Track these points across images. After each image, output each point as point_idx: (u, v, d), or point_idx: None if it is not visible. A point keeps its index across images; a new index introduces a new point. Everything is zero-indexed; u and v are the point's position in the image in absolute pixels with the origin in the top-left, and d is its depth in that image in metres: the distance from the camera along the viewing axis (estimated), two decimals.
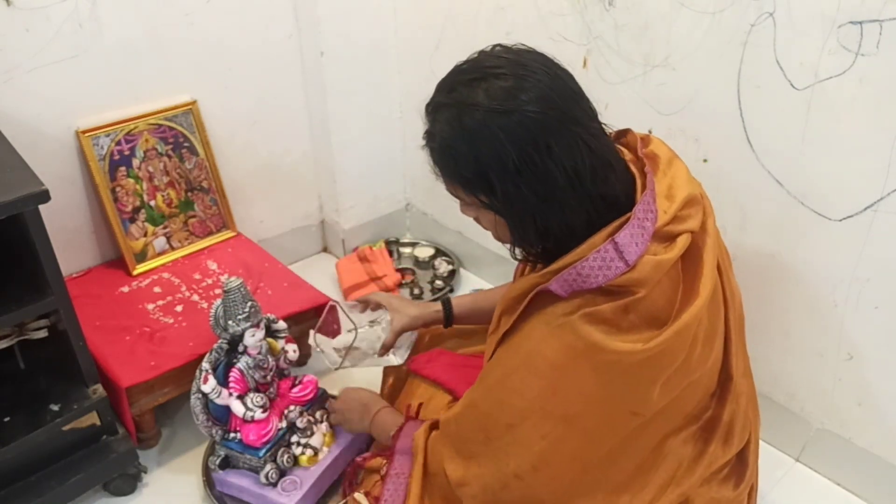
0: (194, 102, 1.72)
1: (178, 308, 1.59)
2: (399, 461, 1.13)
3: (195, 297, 1.62)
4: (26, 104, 1.49)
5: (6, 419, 1.27)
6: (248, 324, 1.29)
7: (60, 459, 1.31)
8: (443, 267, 2.07)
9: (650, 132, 1.42)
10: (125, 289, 1.64)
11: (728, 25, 1.23)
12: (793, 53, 1.17)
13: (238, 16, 1.73)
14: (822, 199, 1.23)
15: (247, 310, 1.28)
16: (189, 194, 1.75)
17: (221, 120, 1.81)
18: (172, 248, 1.74)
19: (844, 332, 1.29)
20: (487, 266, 2.01)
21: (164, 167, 1.70)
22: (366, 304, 1.41)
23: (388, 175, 2.14)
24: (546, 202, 0.87)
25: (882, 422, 1.31)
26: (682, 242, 0.91)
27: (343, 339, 1.36)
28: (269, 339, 1.39)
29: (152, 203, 1.69)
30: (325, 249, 2.23)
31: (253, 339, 1.31)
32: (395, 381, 1.40)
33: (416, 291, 1.97)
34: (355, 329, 1.33)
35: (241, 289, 1.28)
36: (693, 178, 1.01)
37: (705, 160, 1.37)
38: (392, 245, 2.16)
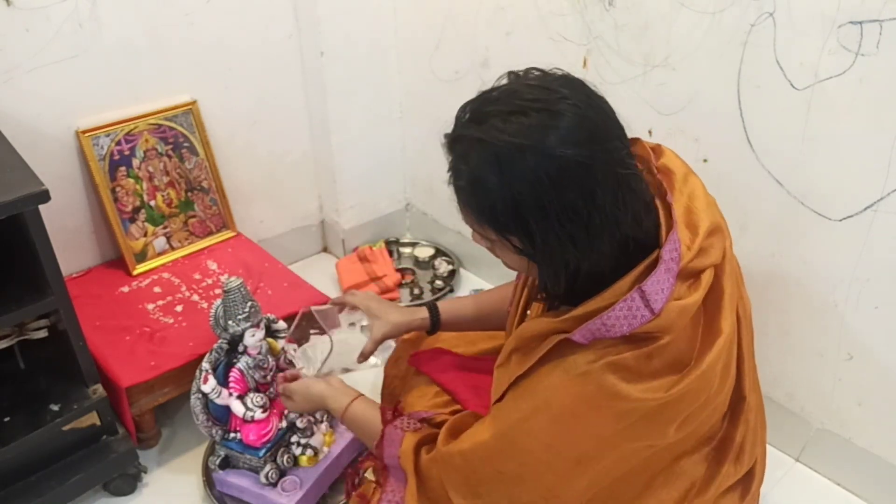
0: (194, 102, 1.73)
1: (178, 308, 1.59)
2: (393, 483, 1.10)
3: (195, 297, 1.62)
4: (26, 104, 1.49)
5: (6, 419, 1.27)
6: (248, 324, 1.29)
7: (60, 459, 1.31)
8: (443, 267, 2.07)
9: (650, 133, 1.43)
10: (125, 289, 1.64)
11: (728, 25, 1.23)
12: (793, 53, 1.17)
13: (238, 16, 1.73)
14: (822, 199, 1.23)
15: (247, 310, 1.28)
16: (189, 194, 1.75)
17: (221, 120, 1.81)
18: (172, 248, 1.74)
19: (844, 332, 1.29)
20: (487, 266, 2.01)
21: (164, 167, 1.70)
22: (343, 306, 1.31)
23: (388, 175, 2.13)
24: (582, 249, 0.83)
25: (882, 422, 1.31)
26: (706, 280, 0.88)
27: (320, 346, 1.33)
28: (269, 339, 1.39)
29: (152, 203, 1.69)
30: (325, 249, 2.23)
31: (253, 339, 1.31)
32: (395, 380, 1.39)
33: (416, 291, 1.98)
34: (331, 339, 1.28)
35: (242, 289, 1.28)
36: (710, 196, 0.98)
37: (705, 160, 1.37)
38: (392, 245, 2.16)
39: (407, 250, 2.18)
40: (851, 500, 1.39)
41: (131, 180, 1.66)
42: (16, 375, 1.34)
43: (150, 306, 1.59)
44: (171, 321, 1.54)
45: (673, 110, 1.38)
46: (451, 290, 1.99)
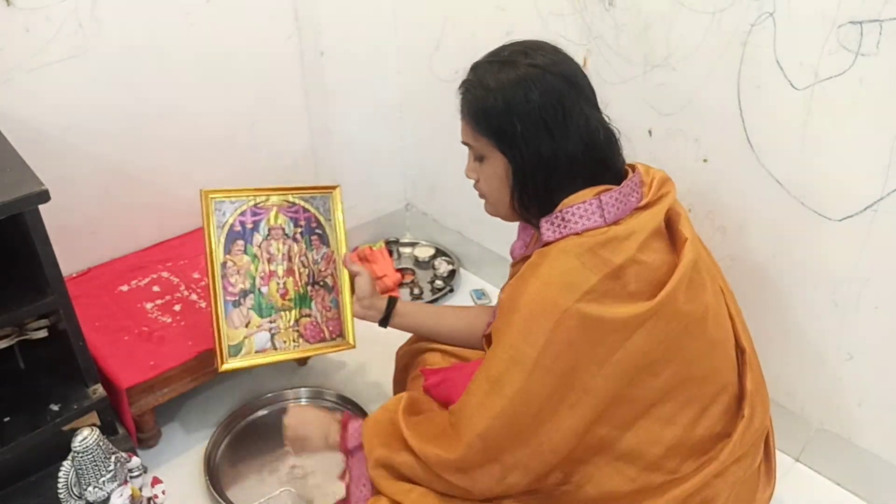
0: (337, 187, 1.48)
1: (177, 307, 1.58)
2: (358, 465, 1.09)
3: (193, 297, 1.62)
4: (26, 104, 1.49)
5: (6, 419, 1.27)
6: (116, 483, 1.06)
7: (60, 459, 1.31)
8: (443, 267, 2.07)
9: (650, 133, 1.43)
10: (124, 287, 1.64)
11: (728, 25, 1.23)
12: (793, 53, 1.17)
13: (238, 16, 1.73)
14: (822, 199, 1.23)
15: (111, 467, 1.03)
16: (309, 288, 1.45)
17: (222, 120, 1.81)
18: (275, 349, 1.40)
19: (844, 332, 1.29)
20: (487, 266, 2.01)
21: (288, 252, 1.43)
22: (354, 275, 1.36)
23: (388, 175, 2.13)
24: (557, 139, 0.96)
25: (882, 422, 1.31)
26: (662, 208, 1.00)
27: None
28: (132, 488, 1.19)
29: (264, 290, 1.40)
30: None
31: (122, 499, 1.08)
32: (405, 358, 1.41)
33: (416, 291, 1.98)
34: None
35: (101, 443, 1.05)
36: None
37: (705, 160, 1.37)
38: (392, 245, 2.16)
39: (407, 250, 2.18)
40: (851, 500, 1.39)
41: (247, 258, 1.39)
42: (16, 375, 1.34)
43: (149, 305, 1.59)
44: (170, 320, 1.54)
45: (673, 110, 1.38)
46: (451, 290, 1.99)
